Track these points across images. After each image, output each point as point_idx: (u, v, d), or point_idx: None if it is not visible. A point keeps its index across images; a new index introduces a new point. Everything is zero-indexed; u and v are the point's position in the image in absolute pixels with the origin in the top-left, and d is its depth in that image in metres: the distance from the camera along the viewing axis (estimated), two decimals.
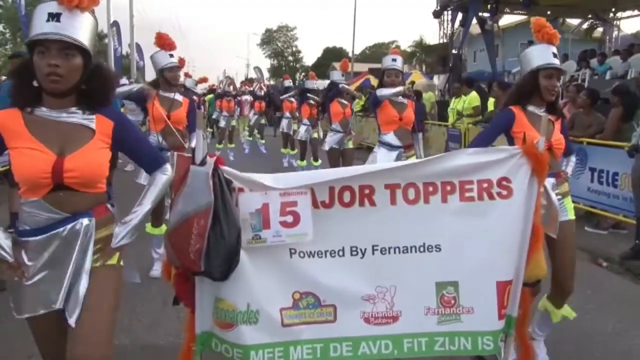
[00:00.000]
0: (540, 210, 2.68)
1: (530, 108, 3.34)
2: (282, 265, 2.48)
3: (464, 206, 2.58)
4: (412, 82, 18.86)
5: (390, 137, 5.26)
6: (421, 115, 11.16)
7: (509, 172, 2.62)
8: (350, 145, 8.12)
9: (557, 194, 3.29)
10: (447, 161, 2.61)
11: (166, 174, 2.44)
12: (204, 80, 15.00)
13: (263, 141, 15.95)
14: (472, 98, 9.79)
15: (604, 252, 6.12)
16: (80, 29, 2.10)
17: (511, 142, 3.34)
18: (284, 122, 12.26)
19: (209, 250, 2.21)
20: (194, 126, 7.10)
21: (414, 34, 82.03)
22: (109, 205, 2.32)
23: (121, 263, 2.33)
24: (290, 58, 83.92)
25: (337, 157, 7.87)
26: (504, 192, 2.61)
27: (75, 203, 2.18)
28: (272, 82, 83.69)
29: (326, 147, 7.90)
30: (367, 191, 2.52)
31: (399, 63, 5.29)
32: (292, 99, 12.48)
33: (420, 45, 57.51)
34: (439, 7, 16.93)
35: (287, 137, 12.28)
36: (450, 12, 17.02)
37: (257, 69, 37.72)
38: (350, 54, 68.55)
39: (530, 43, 16.58)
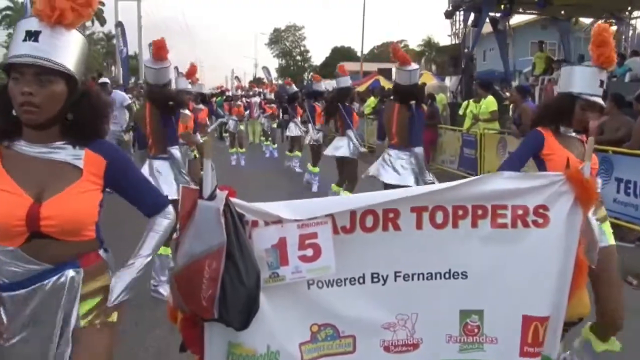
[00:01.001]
0: (583, 243, 2.47)
1: (561, 129, 3.09)
2: (299, 298, 2.31)
3: (496, 232, 2.42)
4: (424, 84, 18.66)
5: None
6: (436, 117, 10.94)
7: (548, 199, 2.43)
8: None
9: (595, 220, 3.05)
10: (481, 185, 2.43)
11: (168, 217, 2.10)
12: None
13: (275, 145, 15.68)
14: (489, 102, 9.48)
15: (631, 268, 5.83)
16: (64, 49, 1.79)
17: (541, 164, 3.09)
18: (291, 126, 12.06)
19: (224, 296, 1.97)
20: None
21: (423, 32, 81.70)
22: (101, 252, 2.00)
23: (114, 319, 2.00)
24: (299, 58, 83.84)
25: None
26: (540, 221, 2.43)
27: (58, 253, 1.84)
28: (280, 82, 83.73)
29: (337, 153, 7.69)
30: (391, 215, 2.36)
31: None
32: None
33: (429, 45, 57.26)
34: (450, 8, 16.62)
35: (293, 141, 12.16)
36: (462, 13, 16.69)
37: (265, 69, 38.01)
38: (358, 54, 68.68)
39: (541, 43, 16.30)
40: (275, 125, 15.93)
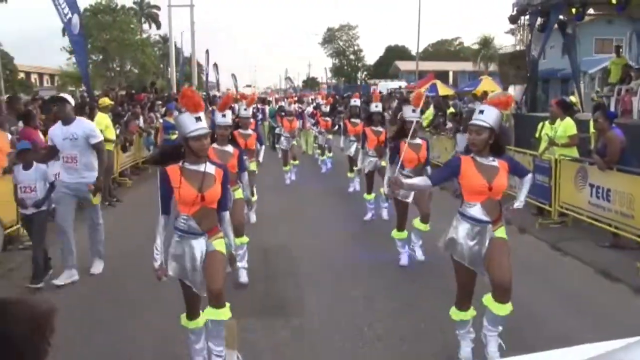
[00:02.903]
0: None
1: None
2: None
3: None
4: (485, 93, 17.57)
5: (476, 210, 4.13)
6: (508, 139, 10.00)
7: None
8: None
9: None
10: None
11: None
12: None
13: (330, 154, 14.97)
14: (568, 125, 8.40)
15: None
16: None
17: None
18: (352, 146, 11.27)
19: None
20: (244, 166, 6.29)
21: (478, 29, 79.62)
22: None
23: None
24: (352, 57, 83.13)
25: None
26: None
27: None
28: (333, 81, 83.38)
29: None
30: None
31: (486, 116, 4.01)
32: (357, 120, 11.50)
33: (485, 43, 55.53)
34: (515, 12, 15.52)
35: (352, 161, 11.43)
36: (528, 17, 15.59)
37: (325, 70, 38.08)
38: (412, 52, 67.16)
39: (618, 48, 15.00)
40: (330, 137, 15.17)
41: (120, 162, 12.33)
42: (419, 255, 6.78)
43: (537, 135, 9.21)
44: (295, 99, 25.97)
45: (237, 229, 5.88)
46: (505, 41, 74.16)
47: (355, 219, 9.24)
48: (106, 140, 10.25)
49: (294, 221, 9.08)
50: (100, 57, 48.83)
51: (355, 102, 12.14)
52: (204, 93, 38.07)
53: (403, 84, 51.83)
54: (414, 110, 6.53)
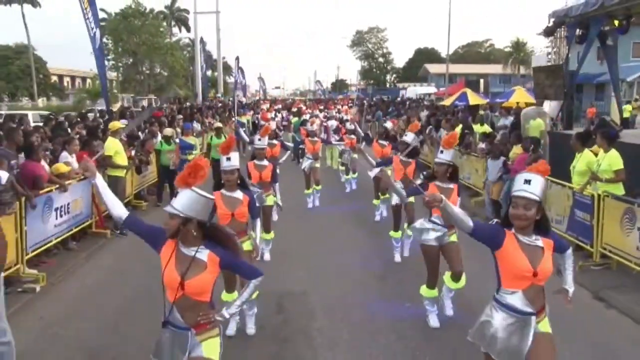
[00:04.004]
0: None
1: None
2: None
3: None
4: (519, 108, 16.72)
5: (517, 299, 3.47)
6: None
7: None
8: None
9: None
10: None
11: None
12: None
13: (355, 175, 14.32)
14: (614, 159, 7.56)
15: None
16: None
17: None
18: (376, 169, 10.59)
19: None
20: (255, 213, 5.73)
21: (509, 31, 77.97)
22: None
23: None
24: (381, 60, 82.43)
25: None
26: None
27: None
28: (361, 84, 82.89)
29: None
30: None
31: (534, 187, 3.39)
32: (385, 142, 10.86)
33: (516, 46, 54.46)
34: (552, 24, 14.66)
35: (377, 186, 10.71)
36: (565, 29, 14.73)
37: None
38: (442, 54, 66.10)
39: None
40: (355, 156, 14.43)
41: (135, 185, 11.86)
42: (448, 310, 6.09)
43: (572, 165, 8.44)
44: (321, 107, 25.30)
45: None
46: (538, 43, 72.52)
47: (380, 255, 8.56)
48: (117, 166, 9.89)
49: (313, 259, 8.39)
50: (131, 60, 49.14)
51: (387, 123, 11.54)
52: (231, 99, 37.79)
53: (432, 89, 50.97)
54: (442, 152, 5.91)
